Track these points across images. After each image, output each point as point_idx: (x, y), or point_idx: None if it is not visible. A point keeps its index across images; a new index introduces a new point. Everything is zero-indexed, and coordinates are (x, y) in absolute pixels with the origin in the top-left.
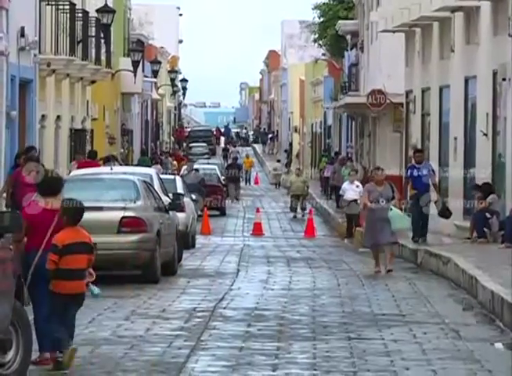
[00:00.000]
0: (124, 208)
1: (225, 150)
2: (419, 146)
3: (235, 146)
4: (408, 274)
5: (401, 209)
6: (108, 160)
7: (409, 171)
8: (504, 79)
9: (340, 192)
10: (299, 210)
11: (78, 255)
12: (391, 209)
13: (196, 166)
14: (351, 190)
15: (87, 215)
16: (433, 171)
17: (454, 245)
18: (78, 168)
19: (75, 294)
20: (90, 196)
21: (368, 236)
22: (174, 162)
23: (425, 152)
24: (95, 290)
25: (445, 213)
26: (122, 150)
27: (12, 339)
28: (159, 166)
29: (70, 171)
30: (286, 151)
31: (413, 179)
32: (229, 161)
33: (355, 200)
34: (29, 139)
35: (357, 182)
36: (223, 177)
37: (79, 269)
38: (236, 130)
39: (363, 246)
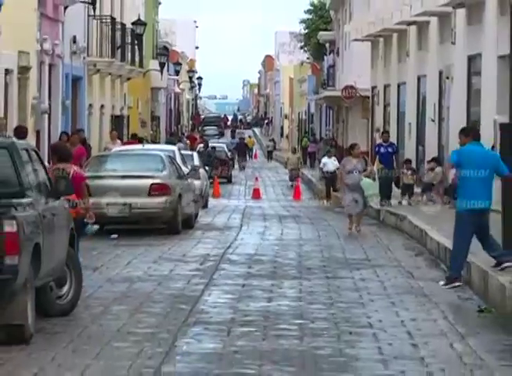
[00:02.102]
0: (153, 177)
1: (233, 131)
2: (381, 129)
3: (240, 129)
4: (373, 228)
5: (374, 179)
6: (141, 140)
7: (376, 148)
8: (448, 77)
9: (321, 165)
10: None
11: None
12: (362, 179)
13: (211, 144)
14: (330, 164)
15: (125, 181)
16: (396, 148)
17: (409, 206)
18: (124, 144)
19: None
20: (127, 167)
21: (346, 202)
22: (188, 142)
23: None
24: (91, 229)
25: (398, 183)
26: (151, 132)
27: (67, 277)
28: (182, 144)
29: (105, 148)
30: (282, 135)
31: (380, 155)
32: (236, 140)
33: (334, 172)
34: (79, 122)
35: (333, 157)
36: (230, 153)
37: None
38: (240, 117)
39: (338, 207)
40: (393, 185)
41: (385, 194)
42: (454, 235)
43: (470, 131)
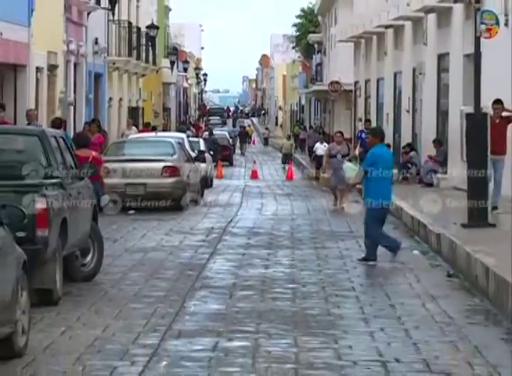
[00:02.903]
0: (165, 160)
1: (234, 120)
2: (363, 119)
3: (240, 118)
4: (355, 204)
5: (355, 163)
6: (154, 128)
7: (359, 134)
8: (420, 73)
9: (314, 149)
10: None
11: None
12: (345, 163)
13: (215, 132)
14: (320, 149)
15: (141, 164)
16: None
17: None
18: (139, 131)
19: None
20: (143, 152)
21: (331, 181)
22: (194, 130)
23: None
24: (105, 200)
25: None
26: (163, 121)
27: (90, 248)
28: (189, 132)
29: (122, 134)
30: (276, 124)
31: (362, 140)
32: (237, 128)
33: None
34: (100, 113)
35: (325, 143)
36: (231, 139)
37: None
38: (240, 108)
39: (325, 186)
40: None
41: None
42: (368, 226)
43: (379, 134)
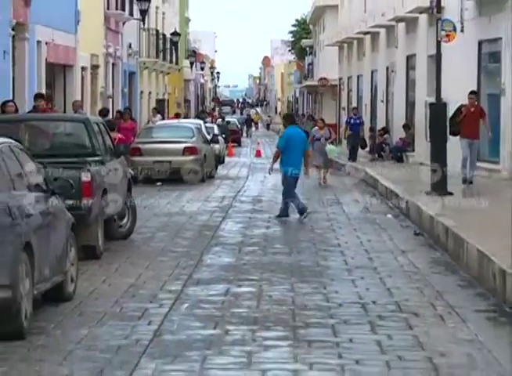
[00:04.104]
0: (186, 142)
1: (241, 109)
2: (346, 108)
3: (247, 108)
4: (340, 178)
5: (335, 145)
6: (179, 115)
7: (348, 119)
8: (392, 71)
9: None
10: None
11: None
12: (327, 145)
13: (226, 119)
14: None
15: (167, 145)
16: (362, 120)
17: (366, 162)
18: (169, 118)
19: None
20: (168, 134)
21: (315, 160)
22: (209, 118)
23: (352, 110)
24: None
25: (362, 144)
26: (184, 110)
27: (125, 212)
28: (208, 119)
29: (148, 121)
30: (276, 112)
31: (350, 125)
32: (244, 116)
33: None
34: (133, 104)
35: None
36: (240, 125)
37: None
38: (247, 100)
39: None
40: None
41: (353, 153)
42: (284, 189)
43: (290, 118)
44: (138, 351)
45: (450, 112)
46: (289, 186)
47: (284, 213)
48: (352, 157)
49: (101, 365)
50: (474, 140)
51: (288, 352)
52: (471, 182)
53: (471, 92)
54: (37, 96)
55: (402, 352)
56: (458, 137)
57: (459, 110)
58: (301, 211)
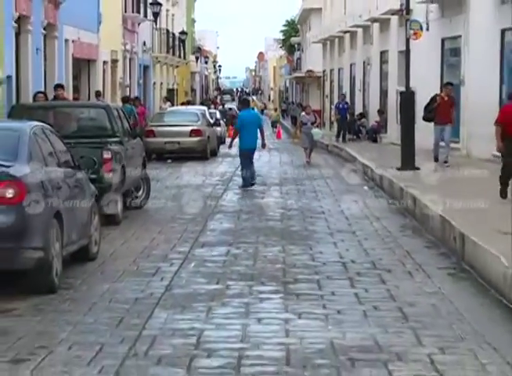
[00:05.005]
0: (192, 125)
1: (239, 98)
2: (329, 96)
3: (245, 96)
4: (324, 155)
5: (320, 128)
6: (187, 103)
7: (337, 104)
8: (368, 64)
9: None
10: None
11: None
12: (313, 129)
13: (227, 106)
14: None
15: (176, 128)
16: (348, 105)
17: (344, 142)
18: (181, 104)
19: None
20: (177, 119)
21: (302, 143)
22: (212, 105)
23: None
24: None
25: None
26: (191, 99)
27: (141, 185)
28: (211, 106)
29: (160, 107)
30: (269, 100)
31: (339, 109)
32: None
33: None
34: (148, 93)
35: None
36: (238, 111)
37: None
38: (244, 89)
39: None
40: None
41: (341, 134)
42: (241, 163)
43: (244, 102)
44: (152, 303)
45: (418, 99)
46: (244, 158)
47: (246, 183)
48: (343, 137)
49: (120, 314)
50: (446, 125)
51: (280, 304)
52: (446, 162)
53: (448, 84)
54: (57, 86)
55: (376, 303)
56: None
57: (433, 99)
58: (250, 181)
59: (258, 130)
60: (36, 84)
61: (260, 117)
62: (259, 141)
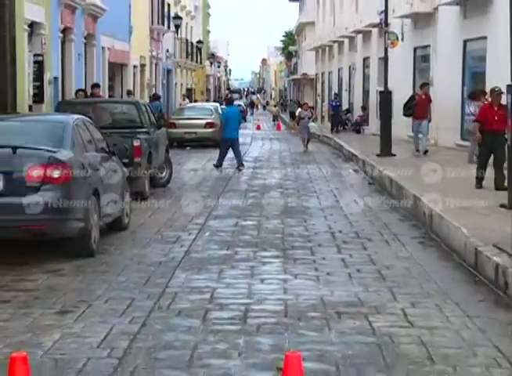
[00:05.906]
0: (207, 118)
1: (246, 96)
2: (321, 95)
3: (250, 95)
4: (317, 144)
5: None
6: (207, 100)
7: (330, 102)
8: (353, 69)
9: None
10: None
11: None
12: (309, 123)
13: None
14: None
15: (193, 121)
16: (340, 103)
17: (335, 133)
18: (194, 101)
19: None
20: (194, 113)
21: (300, 135)
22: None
23: (334, 95)
24: None
25: (342, 121)
26: (206, 97)
27: (165, 168)
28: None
29: (180, 103)
30: (271, 98)
31: (332, 106)
32: (249, 100)
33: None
34: (170, 93)
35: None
36: (245, 107)
37: None
38: (250, 89)
39: (297, 135)
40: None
41: (336, 127)
42: (219, 149)
43: (228, 100)
44: (174, 265)
45: (395, 98)
46: (224, 146)
47: (218, 164)
48: (336, 130)
49: (147, 275)
50: (423, 120)
51: (279, 267)
52: (426, 152)
53: (425, 84)
54: (94, 85)
55: (359, 266)
56: (410, 118)
57: (412, 97)
58: (218, 166)
59: (238, 123)
60: (78, 84)
61: (240, 113)
62: (240, 131)
